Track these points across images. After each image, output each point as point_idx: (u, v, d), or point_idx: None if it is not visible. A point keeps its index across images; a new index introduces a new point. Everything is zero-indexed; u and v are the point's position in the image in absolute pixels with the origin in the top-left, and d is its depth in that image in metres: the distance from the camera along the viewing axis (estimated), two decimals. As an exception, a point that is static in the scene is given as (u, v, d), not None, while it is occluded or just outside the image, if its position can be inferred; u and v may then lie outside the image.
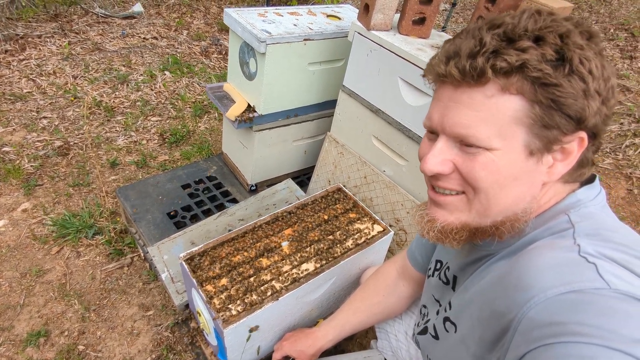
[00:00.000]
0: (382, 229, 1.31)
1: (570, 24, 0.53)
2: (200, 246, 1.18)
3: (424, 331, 0.83)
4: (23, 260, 1.71)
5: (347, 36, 1.59)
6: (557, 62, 0.51)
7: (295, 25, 1.54)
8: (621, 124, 2.94)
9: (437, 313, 0.81)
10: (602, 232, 0.54)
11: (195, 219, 1.71)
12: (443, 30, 3.52)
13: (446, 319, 0.74)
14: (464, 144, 0.57)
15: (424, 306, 0.89)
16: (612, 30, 4.39)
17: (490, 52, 0.52)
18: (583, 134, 0.54)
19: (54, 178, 2.09)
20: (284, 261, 1.18)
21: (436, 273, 0.86)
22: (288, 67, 1.55)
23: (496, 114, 0.53)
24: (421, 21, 1.39)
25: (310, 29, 1.54)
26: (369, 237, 1.29)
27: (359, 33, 1.43)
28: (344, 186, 1.60)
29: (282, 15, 1.60)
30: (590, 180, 0.63)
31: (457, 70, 0.54)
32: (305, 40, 1.51)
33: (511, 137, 0.54)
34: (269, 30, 1.44)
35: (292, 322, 1.24)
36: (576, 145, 0.55)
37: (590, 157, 0.59)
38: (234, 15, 1.51)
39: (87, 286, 1.65)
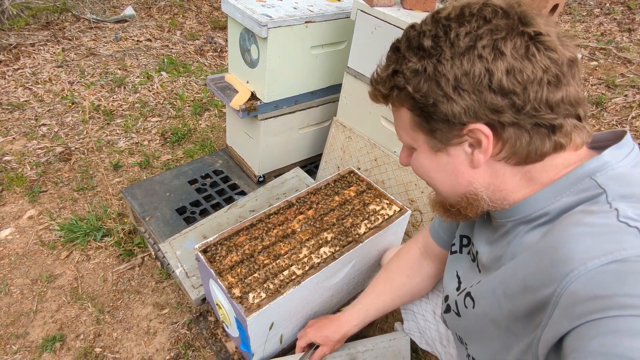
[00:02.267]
0: (399, 209, 1.28)
1: (434, 27, 0.56)
2: (215, 236, 1.15)
3: (447, 309, 0.81)
4: (33, 266, 1.68)
5: (349, 17, 1.56)
6: (416, 77, 0.56)
7: (295, 8, 1.51)
8: (625, 96, 2.91)
9: (457, 289, 0.79)
10: (637, 193, 0.51)
11: (204, 213, 1.67)
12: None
13: (467, 295, 0.72)
14: None
15: (446, 283, 0.86)
16: (607, 5, 4.36)
17: (376, 81, 0.63)
18: (477, 126, 0.55)
19: (58, 184, 2.06)
20: (301, 247, 1.15)
21: (464, 249, 0.83)
22: (290, 51, 1.51)
23: (403, 123, 0.65)
24: (425, -6, 1.36)
25: (311, 11, 1.50)
26: (386, 217, 1.26)
27: (361, 11, 1.40)
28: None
29: None
30: (619, 138, 0.59)
31: (372, 98, 0.67)
32: (306, 22, 1.47)
33: (417, 139, 0.64)
34: (270, 14, 1.41)
35: (313, 308, 1.21)
36: (481, 134, 0.55)
37: (526, 137, 0.55)
38: (232, 1, 1.47)
39: (100, 289, 1.62)
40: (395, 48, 0.61)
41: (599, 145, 0.60)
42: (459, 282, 0.80)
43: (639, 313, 0.40)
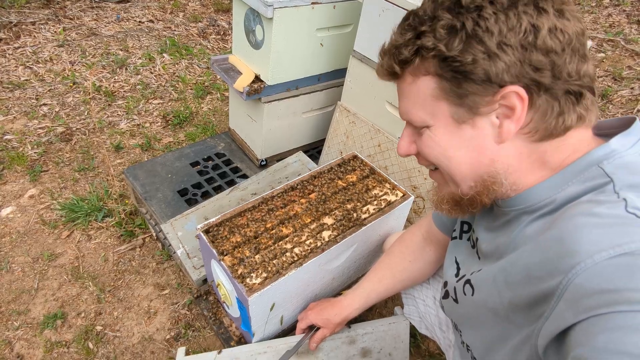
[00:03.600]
0: (402, 194, 1.28)
1: None
2: (218, 217, 1.15)
3: (445, 295, 0.80)
4: (34, 245, 1.68)
5: (355, -1, 1.53)
6: (451, 35, 0.52)
7: (301, -12, 1.48)
8: (632, 88, 2.88)
9: (456, 276, 0.78)
10: None
11: (206, 195, 1.67)
12: None
13: (467, 282, 0.71)
14: (414, 125, 0.64)
15: (445, 269, 0.86)
16: (617, -4, 4.29)
17: (393, 49, 0.58)
18: (514, 88, 0.52)
19: (59, 164, 2.05)
20: (303, 229, 1.15)
21: (464, 235, 0.82)
22: (296, 33, 1.49)
23: (419, 96, 0.59)
24: (434, -23, 1.33)
25: (317, -8, 1.48)
26: (389, 202, 1.25)
27: (369, -8, 1.37)
28: (358, 155, 1.55)
29: (287, -20, 1.54)
30: (628, 125, 0.57)
31: (381, 72, 0.63)
32: (313, 3, 1.45)
33: (438, 112, 0.58)
34: (276, -6, 1.38)
35: (314, 290, 1.21)
36: (516, 99, 0.52)
37: (556, 106, 0.54)
38: (237, -20, 1.44)
39: (101, 268, 1.63)
40: (415, 14, 0.57)
41: (606, 133, 0.59)
42: (458, 269, 0.79)
43: None
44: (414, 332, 1.38)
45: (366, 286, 1.09)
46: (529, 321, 0.53)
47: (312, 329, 1.12)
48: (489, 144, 0.58)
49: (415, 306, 1.15)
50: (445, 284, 0.82)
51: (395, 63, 0.58)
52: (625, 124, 0.58)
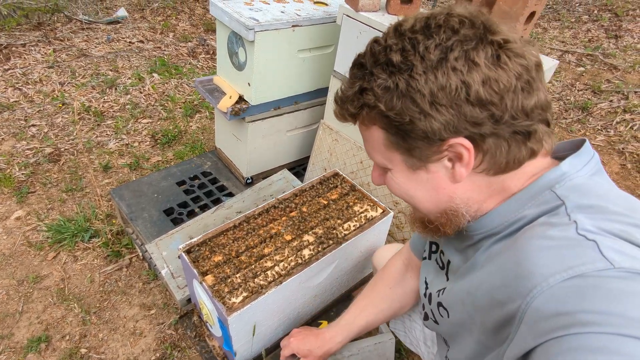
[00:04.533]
0: (382, 210, 1.30)
1: (400, 40, 0.53)
2: (200, 237, 1.16)
3: (425, 317, 0.82)
4: (19, 267, 1.68)
5: (335, 21, 1.58)
6: (387, 94, 0.54)
7: (282, 12, 1.53)
8: (610, 101, 2.96)
9: (425, 295, 0.80)
10: (595, 203, 0.52)
11: (192, 214, 1.69)
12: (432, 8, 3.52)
13: (439, 304, 0.72)
14: None
15: (425, 289, 0.86)
16: (595, 12, 4.43)
17: (341, 102, 0.61)
18: (458, 140, 0.53)
19: (47, 185, 2.06)
20: (284, 247, 1.17)
21: (433, 255, 0.84)
22: (278, 55, 1.53)
23: (374, 143, 0.62)
24: (409, 0, 1.38)
25: (297, 15, 1.52)
26: (368, 219, 1.28)
27: (347, 15, 1.42)
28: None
29: (269, 3, 1.59)
30: (578, 147, 0.59)
31: (337, 117, 0.64)
32: (293, 26, 1.49)
33: (392, 159, 0.61)
34: (257, 18, 1.43)
35: (296, 308, 1.22)
36: (462, 148, 0.54)
37: (505, 146, 0.54)
38: (220, 5, 1.49)
39: (86, 290, 1.62)
40: (359, 65, 0.58)
41: (560, 155, 0.61)
42: (426, 288, 0.81)
43: (598, 330, 0.41)
44: (399, 347, 1.39)
45: (347, 318, 1.07)
46: (497, 343, 0.55)
47: (294, 357, 1.11)
48: (444, 184, 0.60)
49: (401, 320, 1.16)
50: (423, 306, 0.83)
51: (347, 113, 0.61)
52: (576, 146, 0.60)
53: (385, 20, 1.34)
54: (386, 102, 0.54)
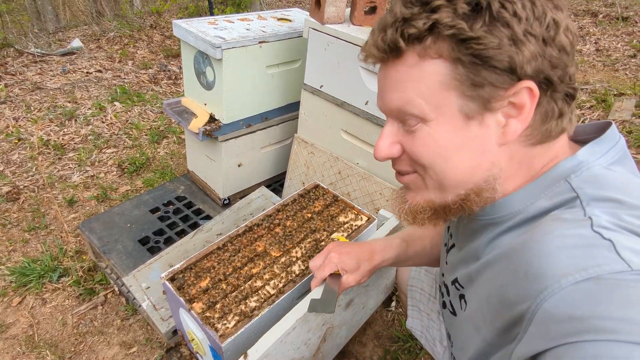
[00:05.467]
0: (367, 218, 1.30)
1: None
2: (182, 263, 1.11)
3: (444, 305, 0.77)
4: (-20, 318, 1.54)
5: (301, 36, 1.59)
6: (474, 13, 0.47)
7: (248, 29, 1.52)
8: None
9: (452, 286, 0.75)
10: (612, 196, 0.48)
11: (169, 242, 1.61)
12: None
13: (461, 297, 0.68)
14: (403, 121, 0.55)
15: (442, 274, 0.81)
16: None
17: (400, 21, 0.50)
18: (529, 83, 0.48)
19: (6, 225, 1.92)
20: (272, 265, 1.13)
21: (450, 241, 0.79)
22: (246, 72, 1.52)
23: (422, 82, 0.51)
24: (372, 10, 1.42)
25: (263, 31, 1.53)
26: (355, 228, 1.26)
27: (313, 29, 1.44)
28: (320, 184, 1.57)
29: (233, 22, 1.58)
30: (602, 131, 0.55)
31: (375, 47, 0.53)
32: (260, 42, 1.49)
33: (443, 104, 0.51)
34: (223, 36, 1.42)
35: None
36: (527, 96, 0.48)
37: (556, 108, 0.51)
38: (184, 25, 1.47)
39: (59, 334, 1.51)
40: None
41: (582, 139, 0.57)
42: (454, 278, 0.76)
43: (613, 338, 0.38)
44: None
45: (399, 236, 0.94)
46: (506, 342, 0.53)
47: (333, 277, 0.90)
48: (491, 145, 0.53)
49: (419, 319, 1.12)
50: (444, 292, 0.78)
51: (402, 37, 0.50)
52: (601, 129, 0.56)
53: (351, 31, 1.36)
54: (469, 21, 0.46)
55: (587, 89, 3.20)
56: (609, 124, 0.55)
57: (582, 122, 2.84)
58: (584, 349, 0.39)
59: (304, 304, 0.91)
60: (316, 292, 0.91)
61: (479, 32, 0.46)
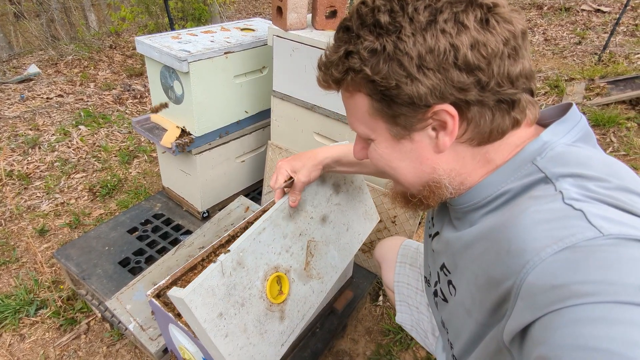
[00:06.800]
0: (347, 215, 1.32)
1: (388, 2, 0.52)
2: (167, 278, 1.09)
3: (435, 293, 0.80)
4: (-46, 361, 1.46)
5: (266, 44, 1.61)
6: (374, 57, 0.52)
7: (212, 41, 1.53)
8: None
9: (441, 272, 0.77)
10: (576, 171, 0.51)
11: (151, 260, 1.59)
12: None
13: (449, 282, 0.71)
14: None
15: (429, 265, 0.84)
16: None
17: (327, 65, 0.58)
18: (442, 107, 0.52)
19: (-26, 263, 1.83)
20: (259, 270, 1.13)
21: (433, 230, 0.82)
22: (214, 83, 1.52)
23: (358, 112, 0.60)
24: (333, 14, 1.45)
25: (228, 42, 1.54)
26: (336, 226, 1.28)
27: (277, 36, 1.46)
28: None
29: (197, 35, 1.58)
30: (564, 112, 0.58)
31: (321, 82, 0.62)
32: (226, 53, 1.50)
33: (376, 128, 0.60)
34: (188, 49, 1.42)
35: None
36: (446, 115, 0.53)
37: (489, 114, 0.54)
38: (147, 41, 1.46)
39: (42, 368, 1.45)
40: (345, 28, 0.56)
41: (546, 123, 0.60)
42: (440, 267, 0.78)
43: (595, 300, 0.40)
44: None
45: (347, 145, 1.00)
46: (495, 320, 0.55)
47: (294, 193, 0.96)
48: (428, 154, 0.59)
49: (409, 314, 1.13)
50: (434, 281, 0.80)
51: (330, 79, 0.59)
52: (562, 111, 0.59)
53: (314, 36, 1.39)
54: (372, 65, 0.52)
55: (540, 76, 3.36)
56: (569, 105, 0.59)
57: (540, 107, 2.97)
58: (567, 314, 0.42)
59: (271, 211, 0.94)
60: (281, 204, 0.96)
61: (379, 76, 0.52)
